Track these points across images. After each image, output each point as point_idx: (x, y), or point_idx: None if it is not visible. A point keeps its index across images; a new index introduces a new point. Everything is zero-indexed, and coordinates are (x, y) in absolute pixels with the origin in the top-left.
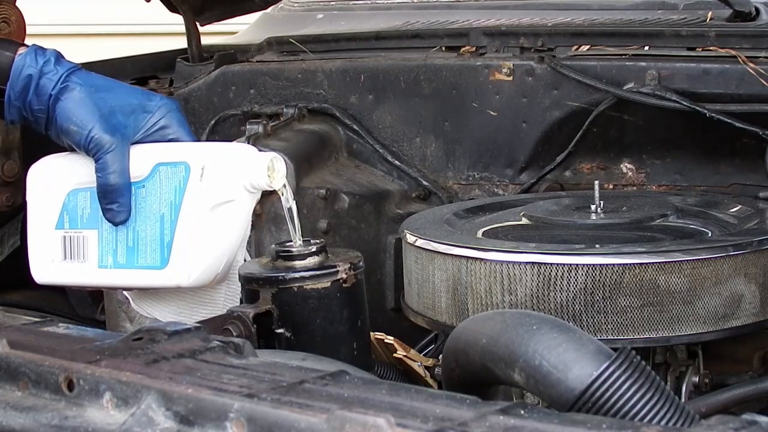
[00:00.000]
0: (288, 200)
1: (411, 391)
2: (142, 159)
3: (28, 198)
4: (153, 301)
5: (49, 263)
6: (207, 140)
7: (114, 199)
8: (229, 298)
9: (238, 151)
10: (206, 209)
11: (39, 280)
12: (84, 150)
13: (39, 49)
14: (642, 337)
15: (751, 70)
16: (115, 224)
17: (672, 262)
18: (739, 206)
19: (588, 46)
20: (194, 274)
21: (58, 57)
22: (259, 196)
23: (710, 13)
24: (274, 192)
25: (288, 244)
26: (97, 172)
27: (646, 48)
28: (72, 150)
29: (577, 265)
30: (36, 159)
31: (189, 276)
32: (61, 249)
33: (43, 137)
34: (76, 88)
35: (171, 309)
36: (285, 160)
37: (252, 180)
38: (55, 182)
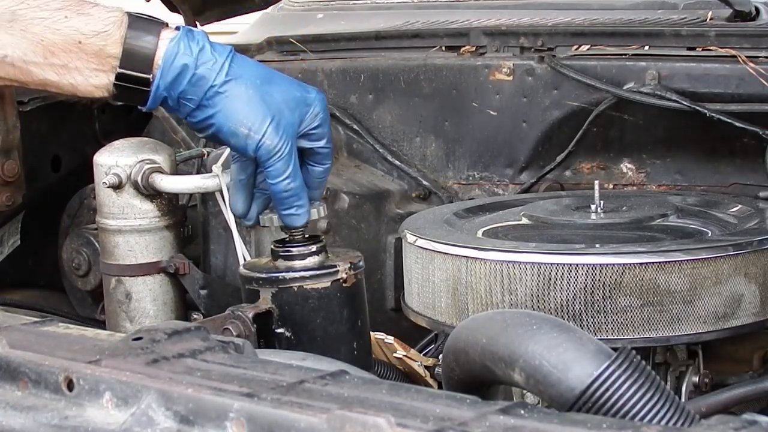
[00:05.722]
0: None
1: (411, 391)
2: None
3: None
4: None
5: None
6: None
7: (293, 203)
8: None
9: None
10: None
11: None
12: (248, 153)
13: (189, 33)
14: (642, 337)
15: (751, 70)
16: (296, 228)
17: (672, 261)
18: (739, 206)
19: (588, 46)
20: None
21: (211, 42)
22: None
23: (710, 13)
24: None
25: (288, 243)
26: (268, 179)
27: (646, 48)
28: (209, 140)
29: (577, 264)
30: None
31: None
32: None
33: (43, 137)
34: (241, 82)
35: None
36: None
37: None
38: None
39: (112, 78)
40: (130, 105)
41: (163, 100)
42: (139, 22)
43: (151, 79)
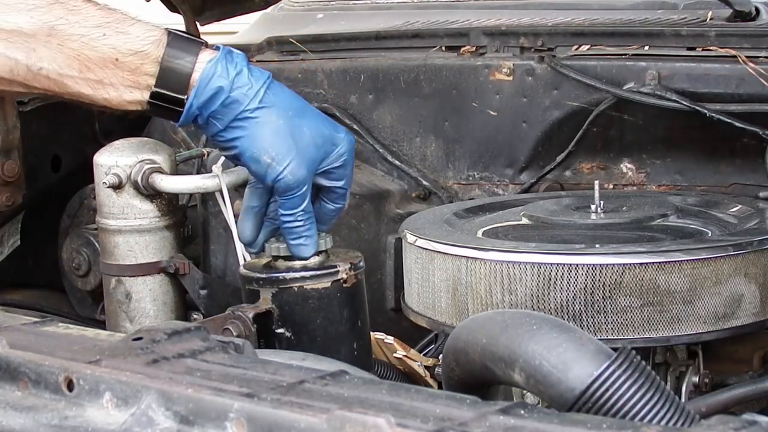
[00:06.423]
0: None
1: (411, 391)
2: None
3: None
4: None
5: None
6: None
7: (301, 234)
8: None
9: None
10: None
11: None
12: (266, 182)
13: (228, 55)
14: (642, 337)
15: (751, 70)
16: (303, 258)
17: (672, 262)
18: (739, 206)
19: (588, 46)
20: None
21: (249, 65)
22: None
23: (710, 13)
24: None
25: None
26: (281, 209)
27: (646, 48)
28: (231, 160)
29: (577, 265)
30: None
31: None
32: None
33: (43, 137)
34: (273, 111)
35: None
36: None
37: None
38: None
39: (147, 96)
40: None
41: (194, 118)
42: (178, 41)
43: (185, 99)
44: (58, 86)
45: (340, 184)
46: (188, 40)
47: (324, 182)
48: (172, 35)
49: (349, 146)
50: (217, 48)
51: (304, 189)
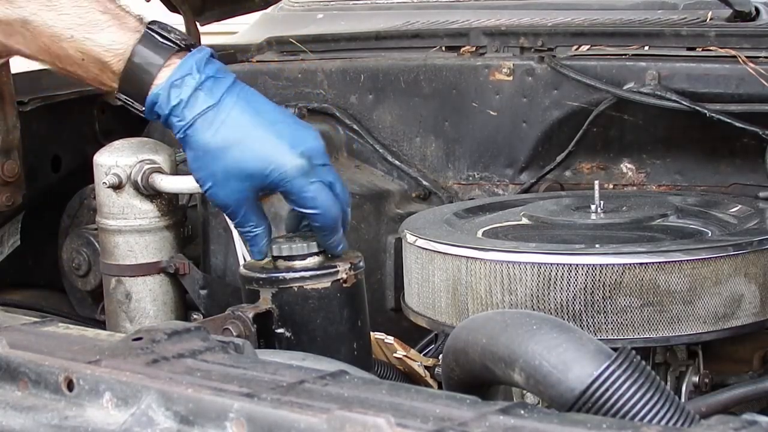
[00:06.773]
0: None
1: (411, 391)
2: None
3: None
4: None
5: None
6: None
7: (247, 240)
8: None
9: None
10: None
11: None
12: None
13: (178, 81)
14: (642, 337)
15: (751, 70)
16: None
17: (672, 262)
18: (739, 206)
19: (588, 46)
20: None
21: (196, 91)
22: None
23: (710, 13)
24: (274, 192)
25: (287, 243)
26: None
27: (646, 48)
28: None
29: (577, 265)
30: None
31: None
32: None
33: (43, 137)
34: (193, 141)
35: None
36: None
37: None
38: None
39: (113, 92)
40: None
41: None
42: (143, 54)
43: (142, 112)
44: (36, 63)
45: (293, 206)
46: (154, 52)
47: (290, 202)
48: (140, 44)
49: (293, 173)
50: (185, 52)
51: (230, 211)
